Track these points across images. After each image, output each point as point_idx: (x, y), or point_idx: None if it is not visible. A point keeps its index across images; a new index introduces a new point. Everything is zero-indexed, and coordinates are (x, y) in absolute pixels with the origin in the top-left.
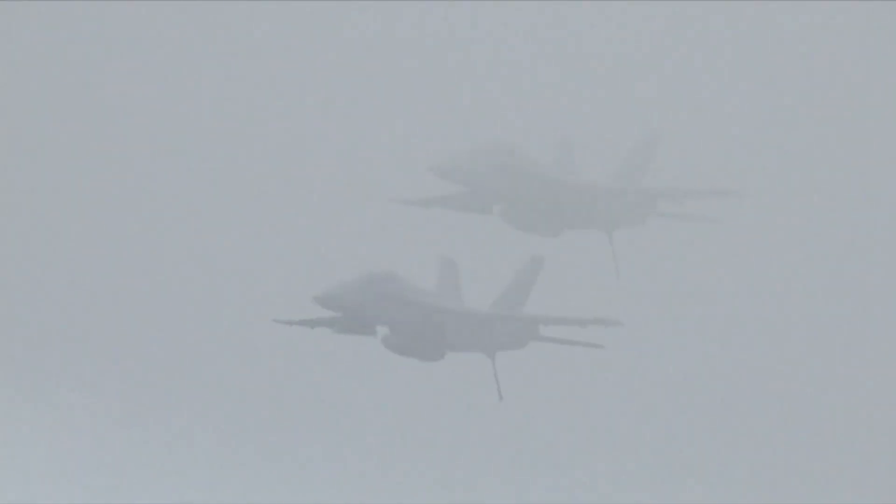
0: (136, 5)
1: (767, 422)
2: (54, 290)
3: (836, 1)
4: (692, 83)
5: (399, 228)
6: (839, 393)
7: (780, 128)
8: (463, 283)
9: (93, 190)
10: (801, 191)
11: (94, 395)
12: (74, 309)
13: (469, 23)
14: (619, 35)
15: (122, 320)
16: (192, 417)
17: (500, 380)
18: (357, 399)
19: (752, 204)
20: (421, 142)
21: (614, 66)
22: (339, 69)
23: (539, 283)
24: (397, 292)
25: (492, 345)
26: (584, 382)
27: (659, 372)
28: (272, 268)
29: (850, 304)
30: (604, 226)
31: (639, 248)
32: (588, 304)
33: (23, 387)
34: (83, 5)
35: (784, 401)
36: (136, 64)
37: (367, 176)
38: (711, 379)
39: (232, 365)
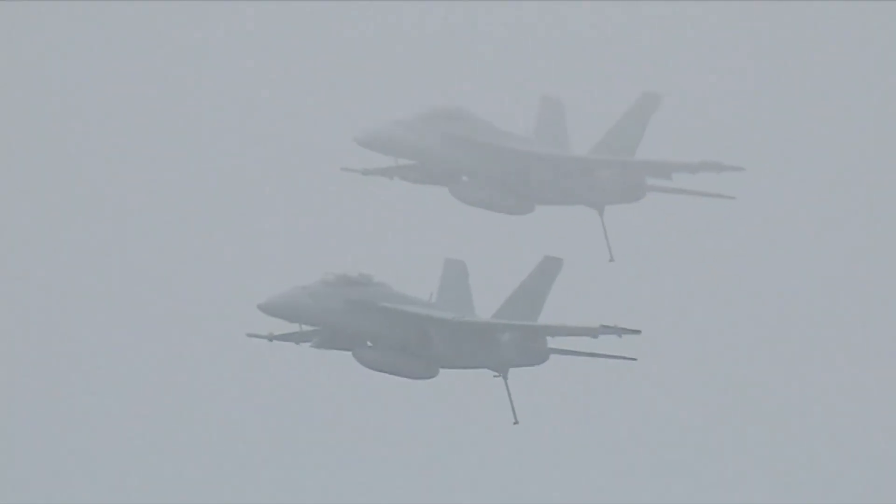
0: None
1: (798, 431)
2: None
3: None
4: (695, 41)
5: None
6: (856, 387)
7: (787, 93)
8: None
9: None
10: (810, 164)
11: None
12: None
13: None
14: None
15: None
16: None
17: (513, 400)
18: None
19: (754, 179)
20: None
21: (613, 19)
22: (336, 66)
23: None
24: (365, 297)
25: (501, 361)
26: (602, 396)
27: (675, 381)
28: (247, 267)
29: (865, 288)
30: (592, 202)
31: (634, 227)
32: (580, 297)
33: None
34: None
35: (809, 409)
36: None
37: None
38: (734, 390)
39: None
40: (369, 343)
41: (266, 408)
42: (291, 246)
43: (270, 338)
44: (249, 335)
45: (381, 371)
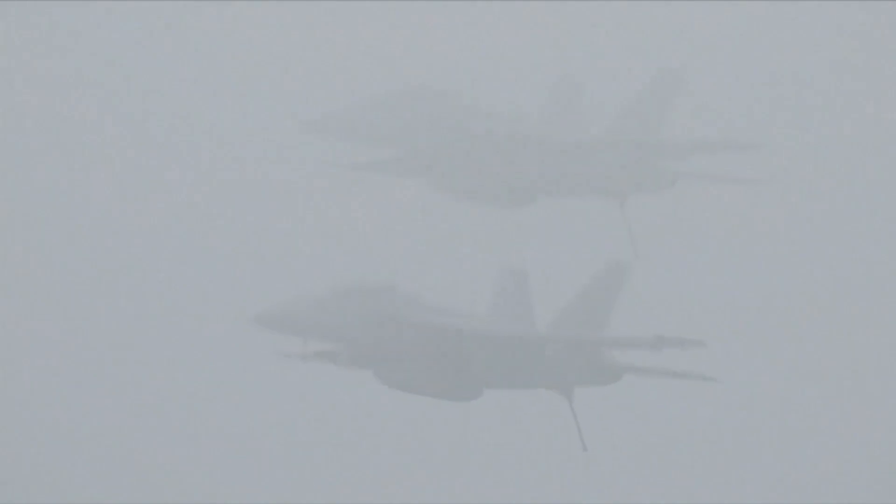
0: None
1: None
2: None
3: None
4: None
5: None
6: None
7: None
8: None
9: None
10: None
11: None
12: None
13: None
14: None
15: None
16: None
17: (580, 425)
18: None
19: (783, 162)
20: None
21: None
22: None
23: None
24: (384, 309)
25: (556, 380)
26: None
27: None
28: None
29: None
30: (612, 192)
31: (657, 220)
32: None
33: None
34: None
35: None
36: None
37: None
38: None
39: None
40: (397, 360)
41: (274, 433)
42: (292, 252)
43: (305, 356)
44: (284, 354)
45: (410, 392)
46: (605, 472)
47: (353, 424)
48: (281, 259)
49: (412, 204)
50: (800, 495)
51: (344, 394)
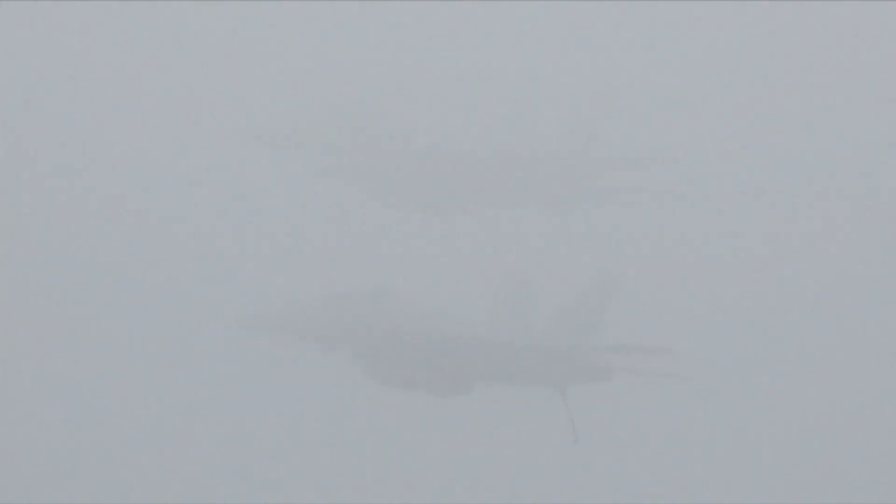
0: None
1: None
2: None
3: None
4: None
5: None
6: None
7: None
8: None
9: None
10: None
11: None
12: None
13: None
14: None
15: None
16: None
17: (574, 416)
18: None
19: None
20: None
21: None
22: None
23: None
24: (377, 313)
25: (555, 378)
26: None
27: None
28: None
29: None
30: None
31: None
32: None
33: None
34: None
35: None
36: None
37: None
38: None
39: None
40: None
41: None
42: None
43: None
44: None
45: (397, 386)
46: (598, 466)
47: (341, 418)
48: (274, 263)
49: (411, 205)
50: (799, 494)
51: (332, 388)
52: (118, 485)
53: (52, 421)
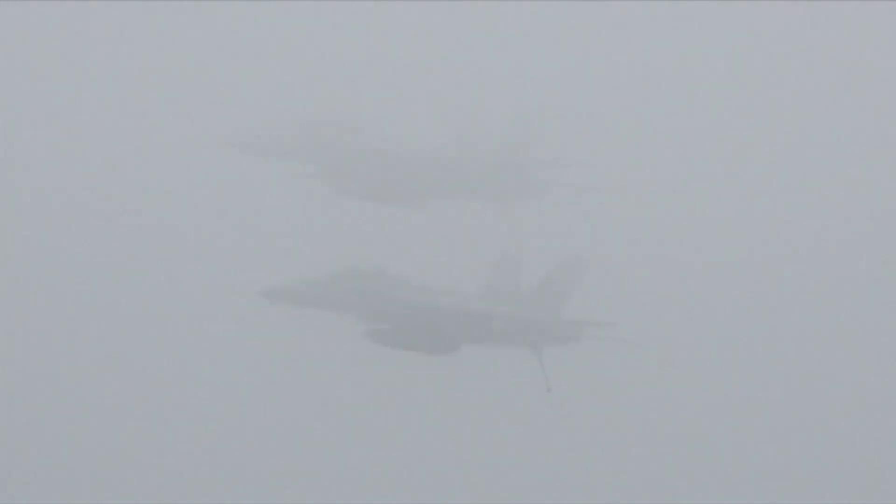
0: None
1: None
2: None
3: None
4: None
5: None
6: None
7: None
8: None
9: None
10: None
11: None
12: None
13: None
14: None
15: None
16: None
17: (547, 370)
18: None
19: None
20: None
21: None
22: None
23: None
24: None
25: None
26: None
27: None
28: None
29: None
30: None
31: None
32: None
33: None
34: None
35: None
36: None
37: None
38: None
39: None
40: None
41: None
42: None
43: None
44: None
45: (391, 347)
46: (567, 412)
47: (348, 368)
48: (276, 249)
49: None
50: (798, 493)
51: (342, 344)
52: (118, 472)
53: (53, 410)
